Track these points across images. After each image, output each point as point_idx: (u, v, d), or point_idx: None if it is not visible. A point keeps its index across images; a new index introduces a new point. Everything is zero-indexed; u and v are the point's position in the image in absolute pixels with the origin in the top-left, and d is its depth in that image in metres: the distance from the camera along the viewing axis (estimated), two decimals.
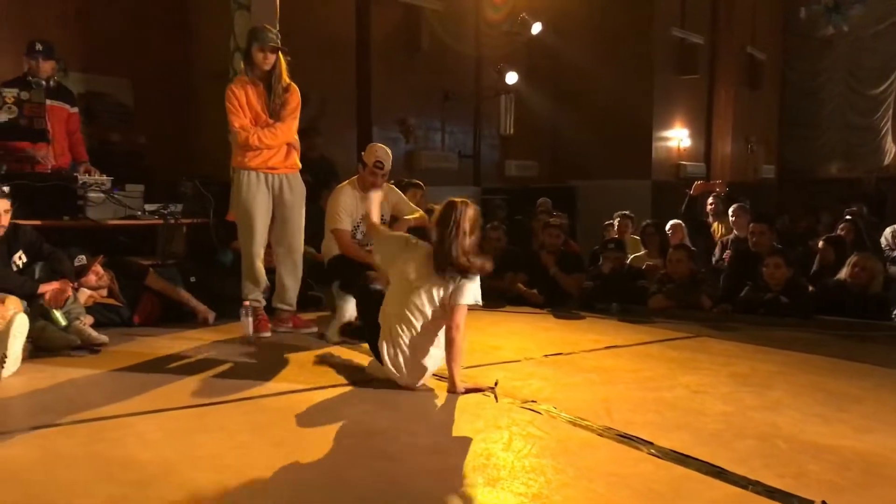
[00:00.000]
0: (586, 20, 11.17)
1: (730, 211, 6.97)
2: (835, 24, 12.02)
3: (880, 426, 2.67)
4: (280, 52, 4.17)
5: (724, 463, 2.23)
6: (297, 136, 4.38)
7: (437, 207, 3.25)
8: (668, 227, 6.92)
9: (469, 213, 3.08)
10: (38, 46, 5.07)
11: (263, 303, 4.36)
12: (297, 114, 4.29)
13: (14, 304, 3.57)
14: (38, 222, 4.54)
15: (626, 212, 7.50)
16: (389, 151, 5.20)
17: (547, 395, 3.00)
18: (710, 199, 7.90)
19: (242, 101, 4.14)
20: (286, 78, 4.24)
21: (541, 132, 11.78)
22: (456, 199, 3.15)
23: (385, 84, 9.30)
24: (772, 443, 2.46)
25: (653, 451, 2.35)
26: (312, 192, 5.34)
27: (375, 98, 9.28)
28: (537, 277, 5.76)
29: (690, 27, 11.86)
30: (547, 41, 10.68)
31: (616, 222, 7.37)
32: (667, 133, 11.89)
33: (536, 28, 10.05)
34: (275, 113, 4.20)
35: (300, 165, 4.42)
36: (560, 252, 5.89)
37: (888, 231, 7.00)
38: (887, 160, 13.53)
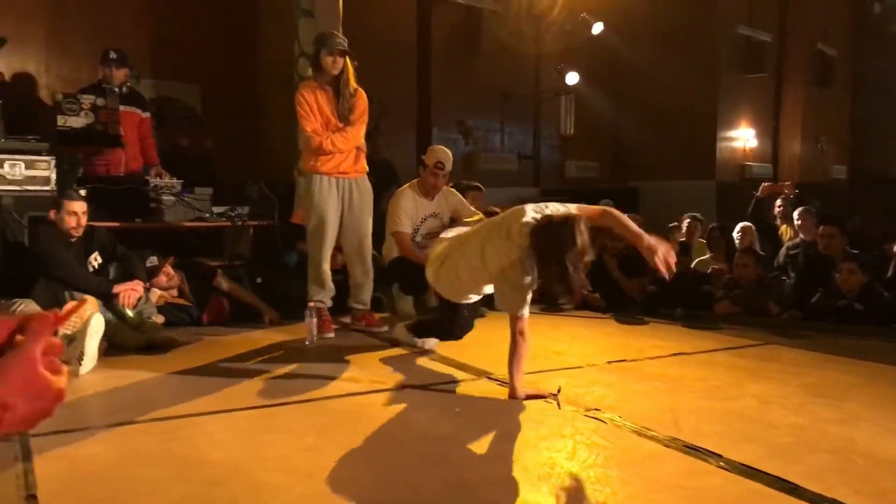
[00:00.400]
0: (648, 19, 10.99)
1: (795, 214, 6.75)
2: None
3: None
4: (347, 56, 4.23)
5: (796, 478, 2.16)
6: (364, 140, 4.44)
7: (534, 220, 2.88)
8: (736, 230, 6.74)
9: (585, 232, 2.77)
10: (112, 55, 5.27)
11: (329, 304, 4.43)
12: (366, 117, 4.36)
13: (91, 304, 3.71)
14: (112, 224, 4.71)
15: (696, 214, 7.34)
16: (450, 153, 5.23)
17: (611, 403, 2.96)
18: (778, 202, 7.67)
19: (313, 106, 4.22)
20: (353, 82, 4.30)
21: (602, 132, 11.65)
22: (571, 216, 2.82)
23: (445, 86, 9.34)
24: (847, 458, 2.38)
25: (722, 463, 2.29)
26: (375, 194, 5.41)
27: (435, 100, 9.33)
28: (599, 281, 5.70)
29: (758, 24, 11.55)
30: (608, 40, 10.56)
31: (685, 224, 7.22)
32: (732, 133, 11.62)
33: (598, 28, 9.95)
34: (344, 117, 4.27)
35: (367, 169, 4.47)
36: (622, 255, 5.81)
37: None
38: None
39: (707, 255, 6.40)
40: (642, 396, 3.11)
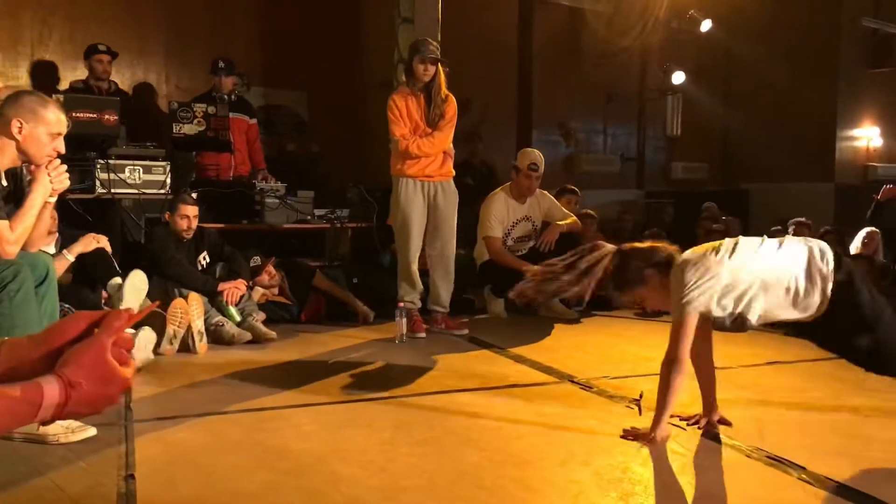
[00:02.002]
0: (760, 14, 10.53)
1: None
2: None
3: None
4: (440, 64, 4.32)
5: (887, 497, 2.05)
6: (451, 145, 4.51)
7: None
8: (861, 236, 6.36)
9: None
10: (221, 64, 5.59)
11: (419, 304, 4.52)
12: (454, 123, 4.43)
13: (196, 300, 3.96)
14: (219, 226, 4.99)
15: (802, 219, 6.99)
16: (542, 155, 5.23)
17: (695, 411, 2.89)
18: None
19: (403, 112, 4.33)
20: (445, 89, 4.38)
21: (710, 133, 11.27)
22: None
23: (546, 87, 9.31)
24: None
25: (804, 476, 2.20)
26: (474, 196, 5.49)
27: (536, 102, 9.33)
28: None
29: (885, 16, 10.86)
30: (716, 37, 10.21)
31: (791, 230, 6.89)
32: (853, 132, 10.96)
33: (706, 25, 9.65)
34: (433, 123, 4.36)
35: (454, 173, 4.54)
36: None
37: None
38: None
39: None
40: (729, 405, 3.00)
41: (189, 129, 5.29)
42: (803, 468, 2.26)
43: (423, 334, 4.38)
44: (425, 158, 4.33)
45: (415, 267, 4.46)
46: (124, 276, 3.81)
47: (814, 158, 10.61)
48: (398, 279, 4.49)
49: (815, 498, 2.08)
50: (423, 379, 3.42)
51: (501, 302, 5.23)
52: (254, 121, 5.94)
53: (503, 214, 5.14)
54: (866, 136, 11.01)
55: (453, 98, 4.40)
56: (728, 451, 2.46)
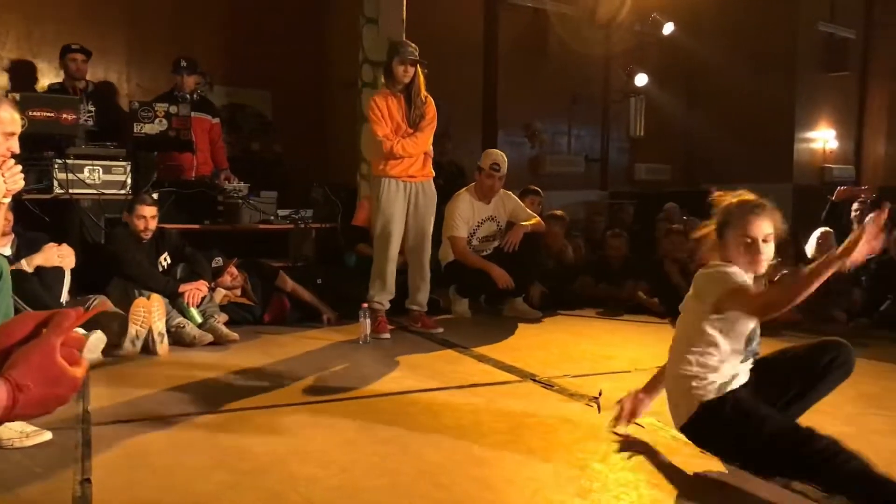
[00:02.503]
0: (721, 17, 10.73)
1: (866, 220, 6.46)
2: None
3: None
4: (418, 66, 4.34)
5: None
6: (431, 146, 4.53)
7: None
8: (815, 236, 6.50)
9: None
10: (183, 63, 5.54)
11: (387, 306, 4.52)
12: (434, 124, 4.45)
13: (157, 301, 3.92)
14: (182, 226, 4.95)
15: None
16: (505, 156, 5.28)
17: (653, 408, 2.94)
18: (855, 206, 7.36)
19: (385, 112, 4.34)
20: (424, 90, 4.40)
21: (673, 135, 11.44)
22: None
23: (511, 89, 9.37)
24: (892, 471, 2.30)
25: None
26: (443, 196, 5.50)
27: (501, 103, 9.38)
28: (660, 286, 5.62)
29: (840, 21, 11.13)
30: (679, 41, 10.37)
31: None
32: (810, 134, 11.21)
33: (668, 28, 9.79)
34: (414, 123, 4.37)
35: (434, 173, 4.56)
36: (684, 261, 5.71)
37: None
38: None
39: (774, 261, 6.20)
40: None
41: (150, 128, 5.23)
42: None
43: (387, 335, 4.38)
44: (408, 159, 4.34)
45: (391, 268, 4.45)
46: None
47: (773, 160, 10.83)
48: (371, 278, 4.48)
49: (768, 491, 2.14)
50: (386, 379, 3.42)
51: (466, 302, 5.26)
52: (216, 120, 5.90)
53: (468, 214, 5.18)
54: (823, 138, 11.27)
55: (432, 99, 4.43)
56: (684, 447, 2.50)
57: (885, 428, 2.75)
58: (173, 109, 5.33)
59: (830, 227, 6.83)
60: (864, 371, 3.66)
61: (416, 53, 4.33)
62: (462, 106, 8.80)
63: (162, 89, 6.05)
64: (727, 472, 2.29)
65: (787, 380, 2.49)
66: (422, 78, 4.37)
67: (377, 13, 6.34)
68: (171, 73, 5.68)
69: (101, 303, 4.02)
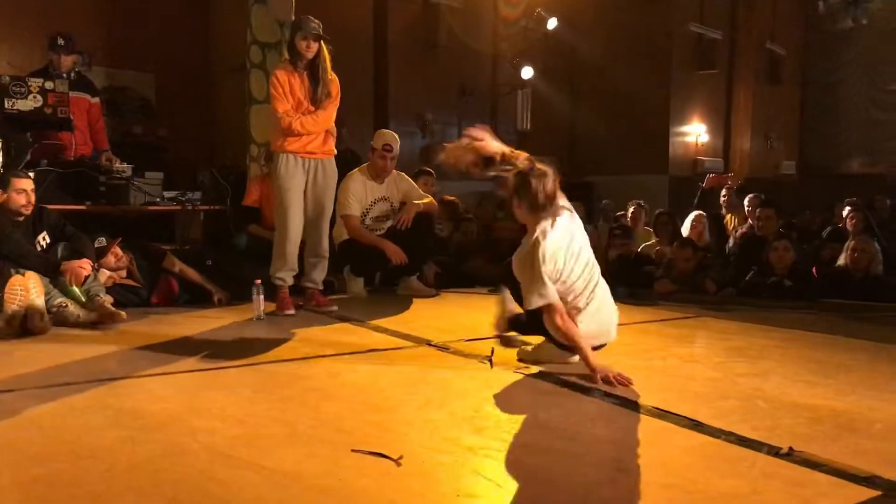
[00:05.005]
0: (602, 15, 11.24)
1: (745, 201, 7.01)
2: (854, 18, 11.95)
3: (863, 390, 2.74)
4: (322, 42, 4.30)
5: (703, 418, 2.32)
6: (334, 124, 4.50)
7: None
8: (689, 219, 6.94)
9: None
10: (60, 41, 5.27)
11: (290, 282, 4.47)
12: (337, 102, 4.42)
13: (35, 278, 3.75)
14: (61, 207, 4.72)
15: (640, 201, 7.54)
16: (397, 136, 5.35)
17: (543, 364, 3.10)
18: (723, 192, 7.93)
19: (286, 88, 4.27)
20: (329, 67, 4.36)
21: (558, 128, 11.85)
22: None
23: (402, 80, 9.44)
24: (753, 402, 2.54)
25: (636, 408, 2.44)
26: (337, 182, 5.49)
27: (393, 93, 9.43)
28: None
29: (709, 22, 11.87)
30: (563, 37, 10.76)
31: (630, 211, 7.43)
32: (684, 129, 11.90)
33: (552, 23, 10.13)
34: (317, 101, 4.33)
35: (335, 151, 4.54)
36: None
37: None
38: None
39: (652, 241, 6.59)
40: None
41: (24, 104, 4.95)
42: (635, 402, 2.50)
43: (292, 311, 4.33)
44: (307, 136, 4.30)
45: (292, 245, 4.40)
46: None
47: (650, 153, 11.43)
48: (273, 255, 4.42)
49: (644, 423, 2.31)
50: (281, 348, 3.42)
51: (361, 282, 5.29)
52: (96, 100, 5.64)
53: (361, 194, 5.21)
54: (695, 132, 11.99)
55: (336, 77, 4.40)
56: (567, 391, 2.67)
57: (747, 371, 3.01)
58: (49, 85, 5.06)
59: (702, 211, 7.33)
60: (732, 330, 4.02)
61: (320, 29, 4.30)
62: (353, 95, 8.76)
63: (34, 67, 5.73)
64: (606, 407, 2.46)
65: None
66: (327, 55, 4.34)
67: None
68: (47, 51, 5.39)
69: None
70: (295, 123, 4.24)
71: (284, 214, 4.35)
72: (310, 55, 4.25)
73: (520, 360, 3.12)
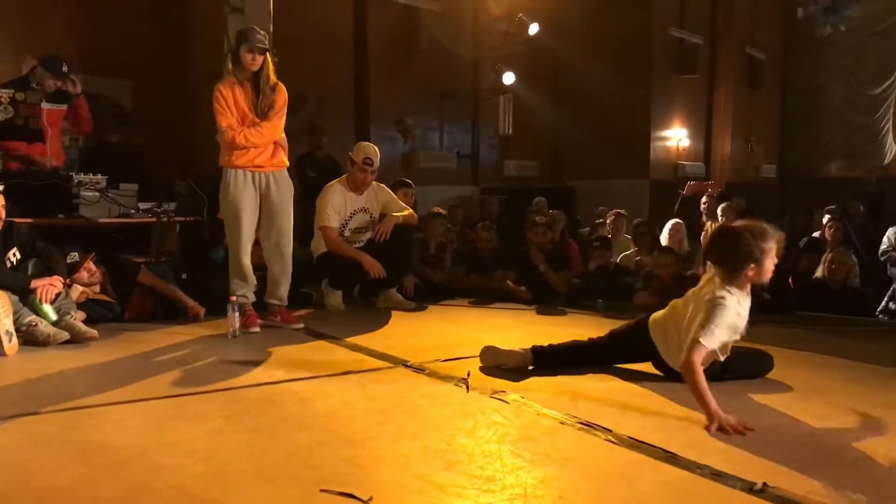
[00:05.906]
0: (584, 20, 11.25)
1: (718, 210, 7.02)
2: (832, 24, 12.05)
3: (840, 414, 2.73)
4: (268, 54, 4.24)
5: (676, 448, 2.30)
6: (284, 135, 4.44)
7: None
8: (667, 227, 6.96)
9: None
10: (65, 68, 5.15)
11: (252, 298, 4.43)
12: (284, 112, 4.36)
13: (2, 297, 3.68)
14: (32, 220, 4.64)
15: (620, 210, 7.53)
16: (377, 149, 5.30)
17: (518, 386, 3.08)
18: (704, 199, 7.94)
19: (230, 101, 4.21)
20: (273, 78, 4.31)
21: (540, 132, 11.86)
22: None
23: (383, 84, 9.41)
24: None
25: (610, 437, 2.42)
26: (317, 190, 5.43)
27: (373, 98, 9.40)
28: (527, 275, 5.83)
29: (690, 27, 11.93)
30: (545, 42, 10.76)
31: (610, 220, 7.42)
32: (665, 133, 11.95)
33: (534, 29, 10.14)
34: (262, 112, 4.27)
35: (287, 163, 4.48)
36: (549, 250, 5.97)
37: (890, 231, 7.02)
38: (888, 160, 13.55)
39: (632, 250, 6.59)
40: (549, 380, 3.22)
41: None
42: (609, 430, 2.48)
43: (257, 329, 4.29)
44: (254, 149, 4.24)
45: (247, 260, 4.35)
46: None
47: (632, 158, 11.47)
48: (230, 274, 4.38)
49: (619, 455, 2.29)
50: (256, 371, 3.37)
51: (339, 295, 5.25)
52: (64, 106, 5.53)
53: (340, 205, 5.16)
54: (676, 136, 12.04)
55: (283, 87, 4.33)
56: (545, 420, 2.63)
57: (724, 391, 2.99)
58: (20, 96, 4.97)
59: (681, 219, 7.35)
60: None
61: (266, 42, 4.24)
62: (333, 100, 8.75)
63: (9, 75, 5.61)
64: (580, 437, 2.43)
65: None
66: (271, 66, 4.26)
67: (243, 2, 6.20)
68: (39, 66, 5.21)
69: None
70: (238, 137, 4.17)
71: (237, 231, 4.29)
72: (254, 68, 4.19)
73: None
